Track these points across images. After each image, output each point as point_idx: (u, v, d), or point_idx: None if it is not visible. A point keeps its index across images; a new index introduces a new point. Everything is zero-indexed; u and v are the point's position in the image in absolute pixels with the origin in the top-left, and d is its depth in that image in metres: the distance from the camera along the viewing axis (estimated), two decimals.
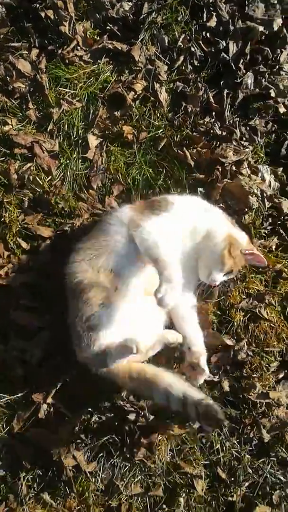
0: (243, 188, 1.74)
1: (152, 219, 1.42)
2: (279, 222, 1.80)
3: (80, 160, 1.79)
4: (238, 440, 1.75)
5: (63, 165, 1.76)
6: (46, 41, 1.82)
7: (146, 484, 1.72)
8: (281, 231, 1.80)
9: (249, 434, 1.74)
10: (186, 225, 1.48)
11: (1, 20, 1.80)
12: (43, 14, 1.80)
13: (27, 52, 1.78)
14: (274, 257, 1.80)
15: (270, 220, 1.80)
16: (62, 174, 1.76)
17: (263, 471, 1.73)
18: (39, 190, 1.73)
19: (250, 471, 1.73)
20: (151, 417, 1.62)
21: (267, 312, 1.77)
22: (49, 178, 1.74)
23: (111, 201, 1.77)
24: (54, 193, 1.72)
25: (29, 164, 1.72)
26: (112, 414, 1.67)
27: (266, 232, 1.81)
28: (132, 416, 1.66)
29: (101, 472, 1.70)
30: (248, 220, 1.78)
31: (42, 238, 1.72)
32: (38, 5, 1.81)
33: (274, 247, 1.80)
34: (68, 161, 1.76)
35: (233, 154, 1.76)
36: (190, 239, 1.49)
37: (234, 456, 1.74)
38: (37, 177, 1.72)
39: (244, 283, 1.79)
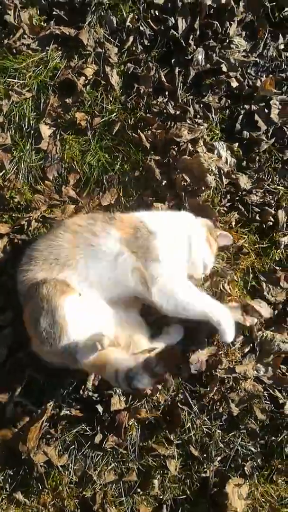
0: (201, 166, 1.75)
1: (168, 271, 1.47)
2: (237, 198, 1.81)
3: (33, 152, 1.80)
4: (208, 417, 1.78)
5: (16, 158, 1.77)
6: None
7: (120, 471, 1.76)
8: (240, 206, 1.81)
9: (218, 409, 1.77)
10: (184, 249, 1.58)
11: None
12: None
13: None
14: (234, 232, 1.82)
15: (228, 196, 1.80)
16: (15, 167, 1.77)
17: (234, 444, 1.77)
18: None
19: (222, 445, 1.77)
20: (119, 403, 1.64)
21: (230, 288, 1.78)
22: (3, 172, 1.74)
23: (68, 190, 1.79)
24: (8, 188, 1.74)
25: None
26: (80, 406, 1.70)
27: (225, 209, 1.81)
28: (100, 408, 1.68)
29: (73, 464, 1.74)
30: (206, 197, 1.77)
31: None
32: None
33: (234, 223, 1.81)
34: (21, 154, 1.77)
35: (188, 133, 1.77)
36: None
37: (205, 432, 1.78)
38: None
39: None
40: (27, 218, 1.69)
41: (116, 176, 1.81)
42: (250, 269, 1.85)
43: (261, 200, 1.77)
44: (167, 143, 1.79)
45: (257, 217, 1.77)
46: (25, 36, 1.81)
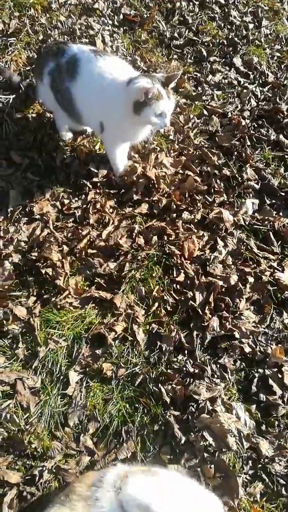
0: (222, 426, 1.86)
1: None
2: (260, 465, 1.85)
3: (59, 396, 2.02)
4: None
5: (42, 402, 1.96)
6: (43, 291, 2.26)
7: None
8: (264, 476, 1.81)
9: None
10: None
11: (8, 275, 2.28)
12: (43, 271, 2.31)
13: (25, 300, 2.20)
14: (260, 508, 1.74)
15: (250, 463, 1.84)
16: (40, 410, 1.91)
17: None
18: (14, 428, 1.82)
19: None
20: None
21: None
22: (27, 415, 1.88)
23: (86, 439, 1.89)
24: (29, 432, 1.83)
25: (8, 401, 1.88)
26: None
27: (248, 477, 1.81)
28: None
29: None
30: (228, 461, 1.80)
31: (8, 484, 1.69)
32: (40, 264, 2.34)
33: (258, 495, 1.78)
34: (47, 397, 1.97)
35: (206, 391, 2.00)
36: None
37: None
38: (14, 415, 1.84)
39: None
40: (41, 468, 1.75)
41: (134, 428, 1.91)
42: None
43: (285, 470, 1.78)
44: (186, 399, 2.02)
45: (283, 491, 1.73)
46: (70, 296, 2.28)
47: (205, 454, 1.94)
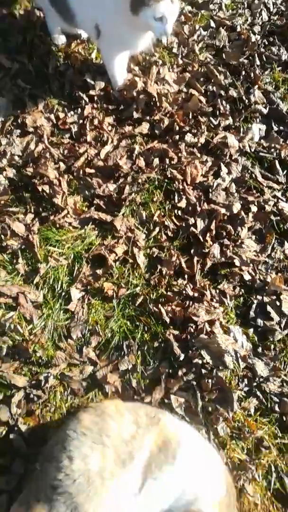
0: (219, 346, 2.25)
1: None
2: (255, 383, 2.29)
3: (62, 311, 2.31)
4: None
5: (45, 315, 2.25)
6: (40, 209, 2.50)
7: None
8: (258, 393, 2.24)
9: None
10: None
11: (3, 190, 2.49)
12: (40, 188, 2.53)
13: (23, 216, 2.44)
14: (253, 421, 2.18)
15: (246, 381, 2.26)
16: (43, 323, 2.21)
17: None
18: (18, 338, 2.13)
19: None
20: None
21: (252, 488, 2.07)
22: (30, 326, 2.18)
23: (89, 351, 2.22)
24: (33, 341, 2.15)
25: (12, 313, 2.17)
26: None
27: (244, 394, 2.22)
28: None
29: None
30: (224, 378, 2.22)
31: (15, 387, 2.03)
32: (36, 181, 2.55)
33: (252, 410, 2.21)
34: (50, 312, 2.27)
35: (205, 314, 2.35)
36: None
37: None
38: (18, 326, 2.14)
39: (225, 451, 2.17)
40: (46, 374, 2.08)
41: (135, 344, 2.25)
42: (273, 467, 2.21)
43: (279, 389, 2.21)
44: (185, 320, 2.36)
45: (277, 408, 2.16)
46: (68, 216, 2.56)
47: (203, 371, 2.36)
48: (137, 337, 2.43)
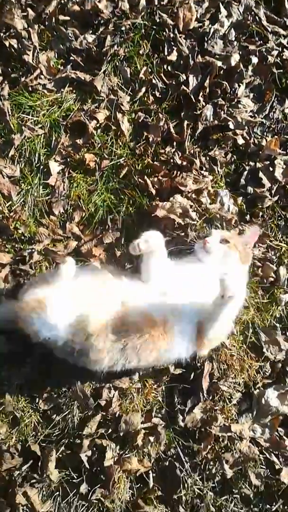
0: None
1: None
2: None
3: (41, 186, 2.22)
4: (200, 477, 2.04)
5: (24, 191, 2.15)
6: (9, 69, 2.20)
7: None
8: None
9: (211, 470, 2.05)
10: None
11: None
12: (7, 43, 2.20)
13: None
14: None
15: None
16: (22, 199, 2.12)
17: (226, 510, 2.00)
18: None
19: (213, 509, 1.99)
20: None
21: (229, 342, 2.09)
22: (9, 203, 2.08)
23: (72, 227, 2.14)
24: (14, 219, 2.09)
25: None
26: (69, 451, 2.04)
27: None
28: (88, 453, 1.91)
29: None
30: None
31: (1, 265, 2.01)
32: (2, 34, 2.20)
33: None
34: (29, 187, 2.17)
35: (193, 183, 2.17)
36: None
37: (196, 493, 2.01)
38: None
39: None
40: (30, 250, 2.03)
41: (120, 218, 2.15)
42: (250, 324, 2.23)
43: (263, 255, 2.13)
44: (172, 191, 2.20)
45: (259, 271, 2.11)
46: (42, 77, 2.27)
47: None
48: (121, 210, 2.32)
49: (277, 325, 2.28)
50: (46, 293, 1.86)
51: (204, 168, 2.37)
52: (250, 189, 2.38)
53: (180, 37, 2.47)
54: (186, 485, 2.11)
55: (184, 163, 2.35)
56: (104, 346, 1.84)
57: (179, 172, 2.35)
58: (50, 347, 1.93)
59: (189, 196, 2.30)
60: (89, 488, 2.04)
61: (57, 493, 2.06)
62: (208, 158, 2.40)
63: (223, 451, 2.15)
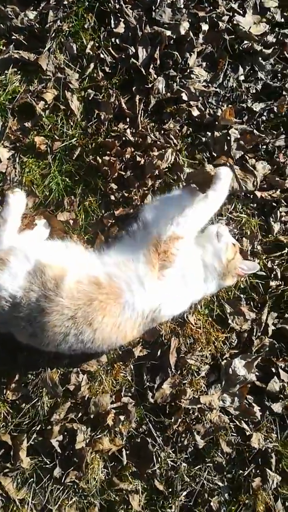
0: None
1: None
2: None
3: None
4: (173, 449, 2.04)
5: None
6: None
7: (81, 505, 1.97)
8: None
9: (183, 442, 2.05)
10: None
11: None
12: None
13: None
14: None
15: None
16: None
17: (200, 478, 2.02)
18: None
19: (187, 479, 2.03)
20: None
21: (194, 318, 2.06)
22: None
23: (26, 214, 2.03)
24: None
25: None
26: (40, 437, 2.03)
27: None
28: (59, 438, 1.89)
29: (32, 498, 1.91)
30: None
31: None
32: None
33: None
34: None
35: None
36: None
37: (170, 466, 2.01)
38: None
39: None
40: None
41: (76, 200, 2.07)
42: (215, 297, 2.19)
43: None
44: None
45: None
46: None
47: None
48: (77, 192, 2.24)
49: (241, 295, 2.25)
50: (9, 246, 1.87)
51: (159, 143, 2.28)
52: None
53: (126, 7, 2.33)
54: (159, 459, 2.11)
55: (136, 138, 2.26)
56: (58, 300, 1.76)
57: (133, 149, 2.25)
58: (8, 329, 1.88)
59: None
60: (63, 472, 2.04)
61: (32, 479, 2.05)
62: (162, 132, 2.30)
63: (194, 422, 2.15)
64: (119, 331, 1.84)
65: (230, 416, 2.18)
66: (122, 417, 2.09)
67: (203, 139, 2.32)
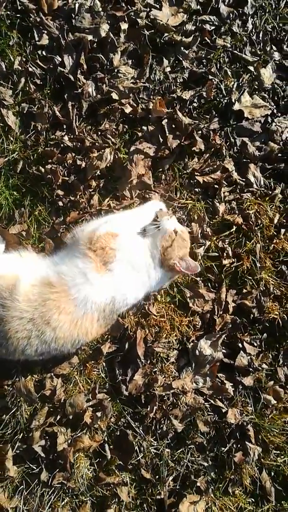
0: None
1: None
2: None
3: None
4: (154, 437, 2.03)
5: None
6: None
7: (74, 505, 1.95)
8: None
9: (162, 428, 2.03)
10: None
11: None
12: None
13: None
14: None
15: None
16: None
17: (184, 461, 2.01)
18: None
19: (172, 464, 2.03)
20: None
21: (156, 309, 2.06)
22: None
23: None
24: None
25: None
26: (24, 445, 2.04)
27: None
28: (42, 443, 1.90)
29: (23, 505, 1.91)
30: None
31: None
32: None
33: None
34: None
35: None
36: None
37: (154, 453, 2.02)
38: None
39: None
40: None
41: (26, 211, 2.08)
42: (174, 284, 2.18)
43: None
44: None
45: None
46: None
47: None
48: (26, 204, 2.24)
49: (197, 279, 2.24)
50: None
51: (97, 144, 2.28)
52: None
53: (47, 19, 2.34)
54: (142, 448, 2.10)
55: (74, 143, 2.26)
56: (15, 306, 1.77)
57: (73, 155, 2.26)
58: None
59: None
60: (50, 475, 2.03)
61: (21, 486, 2.04)
62: (99, 133, 2.30)
63: (170, 408, 2.14)
64: (78, 327, 1.85)
65: (204, 396, 2.18)
66: (99, 414, 2.08)
67: (139, 134, 2.32)
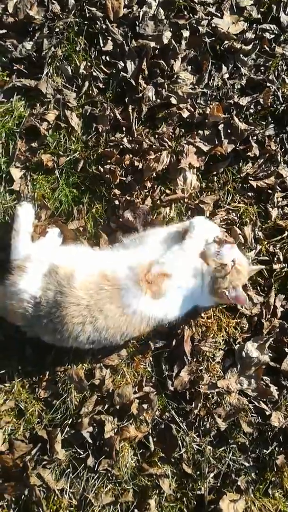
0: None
1: None
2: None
3: (7, 193, 2.13)
4: (197, 434, 2.01)
5: None
6: None
7: (116, 492, 1.96)
8: None
9: (206, 425, 2.01)
10: None
11: None
12: None
13: None
14: None
15: None
16: None
17: (225, 460, 1.98)
18: None
19: (214, 461, 1.99)
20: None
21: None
22: None
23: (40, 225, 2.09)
24: None
25: None
26: (73, 430, 2.05)
27: None
28: (90, 429, 1.91)
29: (70, 487, 1.93)
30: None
31: None
32: None
33: None
34: None
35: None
36: None
37: (196, 449, 1.99)
38: None
39: None
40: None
41: (84, 208, 2.10)
42: None
43: (225, 219, 2.21)
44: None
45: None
46: None
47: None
48: (85, 201, 2.27)
49: (247, 282, 2.19)
50: (25, 254, 1.95)
51: (154, 147, 2.28)
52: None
53: (112, 26, 2.36)
54: (185, 443, 2.07)
55: (133, 145, 2.27)
56: (73, 292, 1.82)
57: (131, 155, 2.27)
58: (35, 332, 1.93)
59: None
60: (96, 461, 2.04)
61: (68, 470, 2.05)
62: (157, 137, 2.30)
63: (214, 406, 2.10)
64: (127, 323, 1.87)
65: (248, 398, 2.12)
66: (145, 406, 2.07)
67: (197, 137, 2.30)
